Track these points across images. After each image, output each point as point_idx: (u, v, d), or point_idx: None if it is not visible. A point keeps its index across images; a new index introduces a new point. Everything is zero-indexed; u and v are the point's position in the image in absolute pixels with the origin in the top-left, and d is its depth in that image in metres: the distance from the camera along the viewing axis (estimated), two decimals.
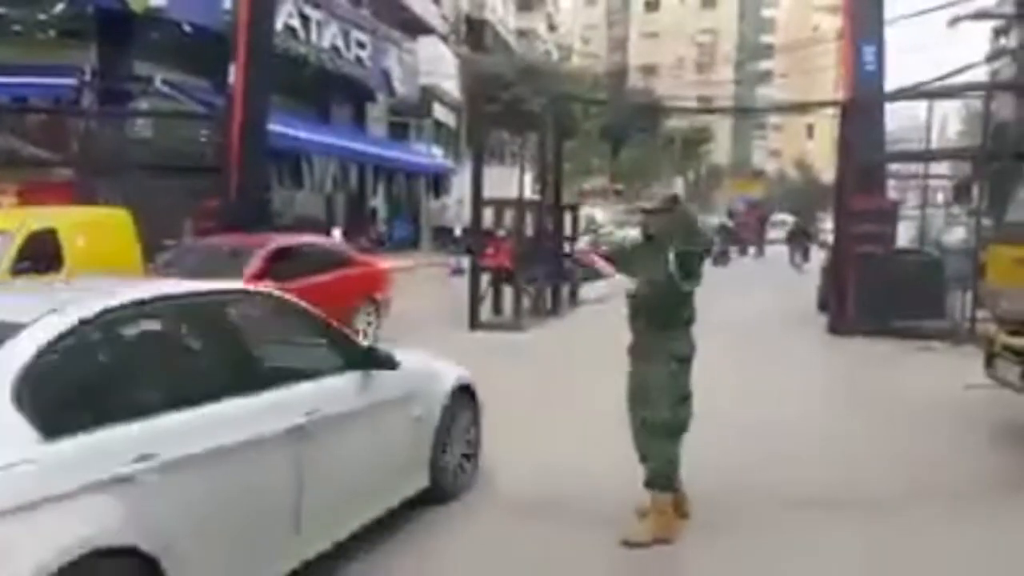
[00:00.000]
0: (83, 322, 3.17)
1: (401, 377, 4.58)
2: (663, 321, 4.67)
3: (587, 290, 15.60)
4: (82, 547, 2.70)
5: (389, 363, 4.49)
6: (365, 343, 4.96)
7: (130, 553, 2.88)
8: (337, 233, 19.28)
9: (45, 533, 2.65)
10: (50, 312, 3.12)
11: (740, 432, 6.77)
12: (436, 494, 4.95)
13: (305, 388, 3.96)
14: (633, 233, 4.54)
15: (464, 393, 5.38)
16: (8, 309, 3.25)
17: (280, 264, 9.72)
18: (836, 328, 12.67)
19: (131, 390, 3.31)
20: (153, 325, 3.69)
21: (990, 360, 6.99)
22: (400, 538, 4.58)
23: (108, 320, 3.32)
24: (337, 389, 4.20)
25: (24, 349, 2.95)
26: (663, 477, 4.65)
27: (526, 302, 13.41)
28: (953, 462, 6.31)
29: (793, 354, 11.18)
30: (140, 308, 3.55)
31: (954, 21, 25.21)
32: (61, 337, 3.06)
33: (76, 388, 3.13)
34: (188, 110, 17.89)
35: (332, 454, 3.97)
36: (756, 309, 15.52)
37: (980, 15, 26.38)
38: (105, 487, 2.87)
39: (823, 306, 14.15)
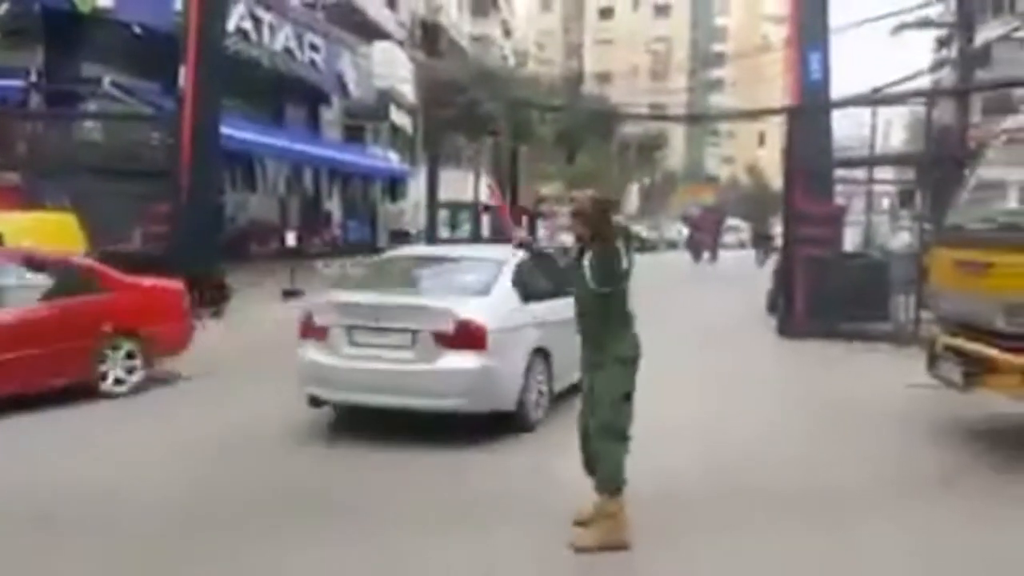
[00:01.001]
0: (520, 261, 7.42)
1: None
2: (600, 325, 4.73)
3: None
4: (532, 344, 7.05)
5: None
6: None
7: (542, 350, 7.14)
8: (291, 236, 19.02)
9: (526, 338, 7.00)
10: (511, 256, 7.45)
11: (690, 435, 6.91)
12: None
13: (563, 300, 6.93)
14: (569, 240, 4.96)
15: None
16: (496, 254, 7.90)
17: None
18: (785, 330, 12.89)
19: (536, 289, 7.41)
20: (531, 262, 7.71)
21: (932, 361, 7.17)
22: None
23: (525, 262, 7.50)
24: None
25: (510, 267, 7.31)
26: (612, 481, 4.61)
27: None
28: (900, 460, 6.51)
29: (743, 355, 11.34)
30: (528, 258, 7.65)
31: (898, 29, 25.89)
32: (518, 265, 7.37)
33: (525, 285, 7.29)
34: (138, 112, 17.59)
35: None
36: (707, 311, 15.74)
37: (923, 23, 27.08)
38: (534, 325, 7.13)
39: (772, 308, 14.39)
